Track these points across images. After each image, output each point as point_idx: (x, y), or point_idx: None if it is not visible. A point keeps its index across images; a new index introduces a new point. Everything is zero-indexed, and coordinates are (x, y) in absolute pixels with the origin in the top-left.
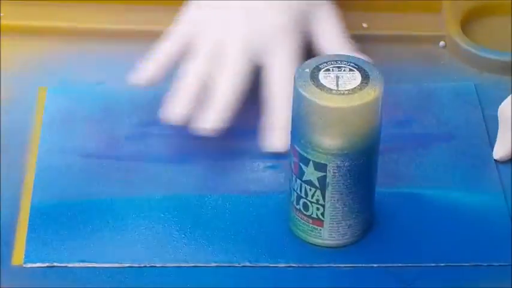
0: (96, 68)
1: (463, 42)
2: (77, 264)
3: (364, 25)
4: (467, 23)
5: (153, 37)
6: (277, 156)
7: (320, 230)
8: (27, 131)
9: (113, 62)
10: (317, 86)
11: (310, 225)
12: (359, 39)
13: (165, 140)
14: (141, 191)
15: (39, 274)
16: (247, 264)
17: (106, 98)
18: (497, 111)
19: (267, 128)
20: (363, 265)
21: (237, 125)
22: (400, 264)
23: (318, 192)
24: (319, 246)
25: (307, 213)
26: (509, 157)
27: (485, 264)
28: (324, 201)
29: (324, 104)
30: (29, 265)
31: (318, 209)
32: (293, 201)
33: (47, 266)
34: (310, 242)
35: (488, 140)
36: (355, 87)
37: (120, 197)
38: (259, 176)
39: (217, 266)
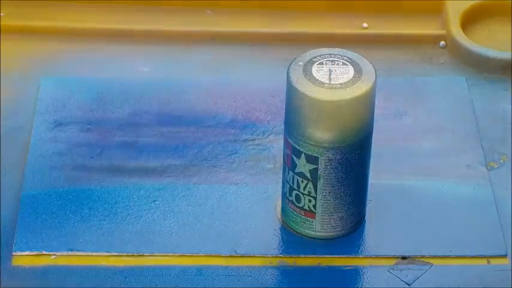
0: (96, 67)
1: (463, 42)
2: (65, 253)
3: (364, 25)
4: (467, 23)
5: (154, 37)
6: (268, 147)
7: (312, 221)
8: (27, 130)
9: (113, 61)
10: (309, 80)
11: (303, 216)
12: (359, 39)
13: (155, 129)
14: (130, 180)
15: (39, 274)
16: (234, 254)
17: (98, 87)
18: (496, 110)
19: None
20: (354, 256)
21: (230, 115)
22: (392, 256)
23: (310, 185)
24: (311, 237)
25: (300, 205)
26: None
27: (476, 255)
28: (316, 194)
29: (316, 97)
30: (19, 253)
31: (310, 201)
32: (286, 193)
33: (36, 255)
34: (303, 233)
35: (477, 133)
36: (347, 81)
37: (109, 186)
38: (249, 166)
39: (205, 256)
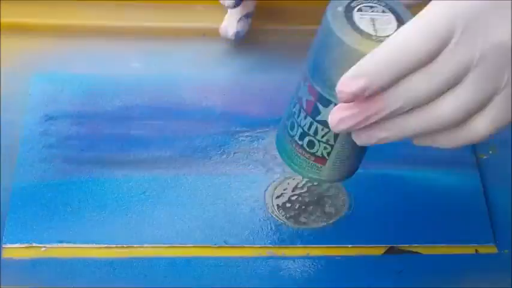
0: (87, 63)
1: None
2: (55, 245)
3: None
4: None
5: (144, 33)
6: (258, 138)
7: (321, 167)
8: (20, 126)
9: (104, 57)
10: (355, 30)
11: (312, 162)
12: None
13: (145, 122)
14: (120, 172)
15: (29, 266)
16: (224, 245)
17: (89, 82)
18: None
19: None
20: (338, 246)
21: (220, 108)
22: (380, 245)
23: (331, 133)
24: (316, 178)
25: (312, 151)
26: None
27: (464, 244)
28: (335, 142)
29: (365, 51)
30: (8, 245)
31: (325, 148)
32: (294, 136)
33: (26, 247)
34: (306, 176)
35: None
36: (393, 33)
37: (99, 178)
38: (239, 157)
39: (194, 246)
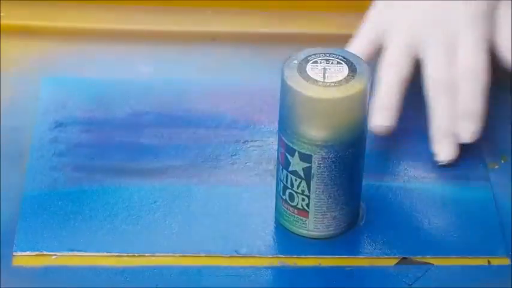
0: (96, 67)
1: None
2: (65, 253)
3: None
4: None
5: (153, 37)
6: (269, 148)
7: (305, 220)
8: (27, 130)
9: (114, 61)
10: (303, 77)
11: (296, 215)
12: None
13: (155, 130)
14: (131, 181)
15: (40, 274)
16: (235, 254)
17: (99, 88)
18: (496, 111)
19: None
20: (350, 256)
21: (230, 116)
22: (392, 256)
23: (304, 183)
24: (304, 237)
25: (293, 204)
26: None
27: (477, 256)
28: (309, 192)
29: (309, 95)
30: (19, 253)
31: (303, 199)
32: (279, 192)
33: (36, 255)
34: (296, 232)
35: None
36: (341, 80)
37: (110, 186)
38: (250, 168)
39: (205, 256)
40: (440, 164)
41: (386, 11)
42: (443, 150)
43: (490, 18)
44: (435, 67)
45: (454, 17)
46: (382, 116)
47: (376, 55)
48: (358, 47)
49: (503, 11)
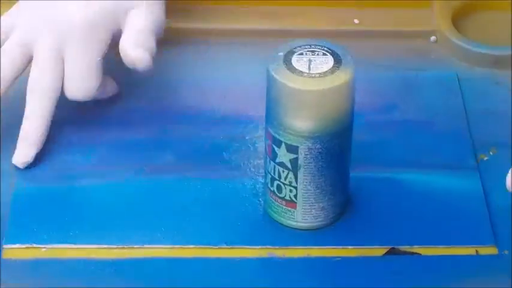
0: None
1: (454, 37)
2: (56, 246)
3: (356, 21)
4: (458, 17)
5: None
6: (259, 142)
7: (293, 212)
8: None
9: (108, 60)
10: (289, 69)
11: (284, 207)
12: (350, 35)
13: (146, 125)
14: (121, 175)
15: (30, 267)
16: (224, 246)
17: None
18: (486, 104)
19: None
20: (338, 247)
21: (221, 111)
22: (381, 246)
23: (291, 174)
24: (292, 228)
25: (281, 195)
26: None
27: (465, 245)
28: (297, 183)
29: (295, 87)
30: (8, 246)
31: (291, 191)
32: (267, 183)
33: (26, 248)
34: (284, 224)
35: (467, 127)
36: (326, 71)
37: (100, 180)
38: (240, 161)
39: (195, 247)
40: None
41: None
42: None
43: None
44: None
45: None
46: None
47: None
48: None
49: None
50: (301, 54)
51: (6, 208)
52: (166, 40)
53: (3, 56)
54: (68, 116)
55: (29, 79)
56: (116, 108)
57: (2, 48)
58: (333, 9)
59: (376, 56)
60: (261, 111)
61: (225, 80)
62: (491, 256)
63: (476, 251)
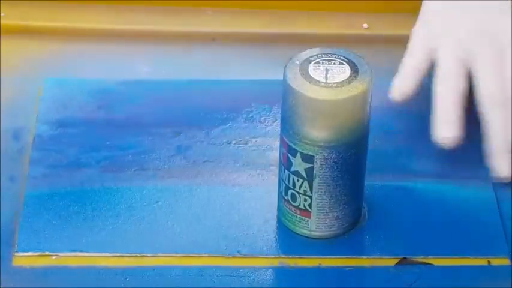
0: (96, 68)
1: None
2: (68, 254)
3: (365, 25)
4: None
5: (153, 37)
6: (270, 147)
7: (307, 221)
8: (27, 130)
9: (113, 62)
10: (305, 78)
11: (298, 216)
12: (359, 40)
13: (157, 130)
14: (133, 181)
15: (40, 275)
16: (236, 254)
17: (100, 88)
18: None
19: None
20: (351, 257)
21: (231, 116)
22: (392, 256)
23: (306, 183)
24: (306, 237)
25: (295, 204)
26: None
27: (477, 256)
28: (311, 193)
29: (312, 96)
30: (21, 254)
31: (305, 200)
32: (282, 192)
33: (38, 255)
34: (298, 232)
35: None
36: (343, 80)
37: (111, 186)
38: (252, 167)
39: (206, 256)
40: (497, 179)
41: (433, 25)
42: (501, 166)
43: None
44: (488, 80)
45: (502, 27)
46: (447, 129)
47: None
48: (412, 65)
49: None
50: (318, 63)
51: (12, 212)
52: (175, 42)
53: None
54: (78, 118)
55: None
56: (125, 111)
57: None
58: (341, 14)
59: (384, 61)
60: (271, 115)
61: (234, 84)
62: (503, 267)
63: (489, 261)
